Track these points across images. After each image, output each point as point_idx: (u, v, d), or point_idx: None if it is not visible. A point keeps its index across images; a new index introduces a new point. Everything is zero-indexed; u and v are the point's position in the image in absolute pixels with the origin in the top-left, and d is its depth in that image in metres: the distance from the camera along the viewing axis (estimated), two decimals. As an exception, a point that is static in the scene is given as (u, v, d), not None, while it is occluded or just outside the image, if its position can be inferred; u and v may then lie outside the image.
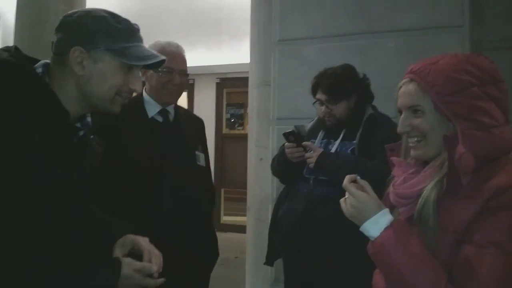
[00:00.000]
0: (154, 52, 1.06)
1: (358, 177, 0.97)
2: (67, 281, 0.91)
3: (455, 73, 0.90)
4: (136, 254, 1.08)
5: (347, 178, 0.97)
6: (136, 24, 1.05)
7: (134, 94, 1.37)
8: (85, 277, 0.93)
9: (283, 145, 1.88)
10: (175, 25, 5.58)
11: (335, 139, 1.81)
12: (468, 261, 0.83)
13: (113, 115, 1.05)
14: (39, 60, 1.03)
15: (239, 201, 5.52)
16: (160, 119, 1.66)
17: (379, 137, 1.64)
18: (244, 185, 2.98)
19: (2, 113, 0.87)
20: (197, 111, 5.75)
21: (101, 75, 0.99)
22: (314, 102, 1.85)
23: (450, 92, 0.89)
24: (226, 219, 6.14)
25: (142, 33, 1.07)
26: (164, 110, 1.68)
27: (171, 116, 1.71)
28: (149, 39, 1.67)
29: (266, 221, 2.20)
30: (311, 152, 1.73)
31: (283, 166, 1.87)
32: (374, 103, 1.85)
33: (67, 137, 1.01)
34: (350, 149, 1.76)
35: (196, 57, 5.82)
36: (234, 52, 5.58)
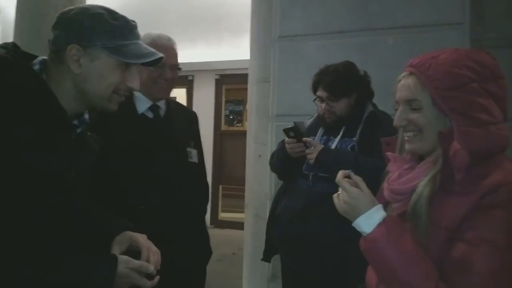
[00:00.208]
0: (152, 49, 1.05)
1: (352, 173, 0.96)
2: (63, 279, 0.91)
3: (455, 68, 0.89)
4: (134, 251, 1.07)
5: (340, 173, 0.97)
6: (133, 21, 1.04)
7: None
8: (81, 275, 0.92)
9: (283, 141, 1.88)
10: (175, 21, 5.57)
11: (335, 136, 1.81)
12: (461, 258, 0.83)
13: (105, 112, 1.04)
14: (37, 56, 1.02)
15: (237, 197, 5.53)
16: (150, 115, 1.61)
17: (379, 134, 1.64)
18: (242, 181, 2.98)
19: None
20: (196, 107, 5.76)
21: (98, 73, 0.97)
22: (315, 99, 1.84)
23: (449, 87, 0.89)
24: (224, 215, 6.15)
25: (142, 29, 1.06)
26: (154, 106, 1.62)
27: (162, 111, 1.65)
28: (149, 35, 1.67)
29: (264, 218, 2.21)
30: (312, 148, 1.73)
31: (282, 162, 1.86)
32: (373, 100, 1.85)
33: (65, 135, 1.00)
34: (350, 146, 1.76)
35: (196, 53, 5.82)
36: (234, 49, 5.58)
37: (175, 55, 1.64)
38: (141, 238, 1.10)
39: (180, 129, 1.68)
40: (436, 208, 0.89)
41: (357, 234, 0.94)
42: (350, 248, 1.55)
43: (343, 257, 1.60)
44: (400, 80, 0.98)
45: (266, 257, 2.01)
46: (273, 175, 2.25)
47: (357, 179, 0.95)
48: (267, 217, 2.00)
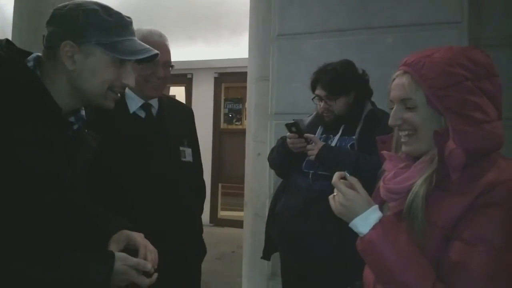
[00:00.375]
0: (147, 45, 1.04)
1: (347, 174, 0.96)
2: (59, 276, 0.90)
3: (450, 67, 0.89)
4: (131, 250, 1.07)
5: (336, 175, 0.96)
6: (128, 17, 1.03)
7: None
8: (77, 272, 0.92)
9: (281, 137, 1.88)
10: (174, 19, 5.56)
11: (334, 134, 1.81)
12: (458, 257, 0.83)
13: (99, 110, 1.03)
14: (32, 53, 1.01)
15: (236, 196, 5.53)
16: (142, 114, 1.57)
17: (378, 132, 1.64)
18: (241, 180, 2.98)
19: None
20: (195, 106, 5.75)
21: (92, 69, 0.97)
22: (313, 98, 1.85)
23: (443, 86, 0.88)
24: (223, 214, 6.16)
25: (141, 27, 1.05)
26: (146, 104, 1.57)
27: (155, 110, 1.61)
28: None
29: (263, 216, 2.21)
30: (313, 144, 1.74)
31: (282, 157, 1.86)
32: (372, 98, 1.86)
33: (60, 132, 1.00)
34: (349, 144, 1.76)
35: (195, 52, 5.82)
36: (233, 47, 5.57)
37: (167, 52, 1.59)
38: (138, 237, 1.10)
39: (173, 128, 1.63)
40: (432, 207, 0.89)
41: (356, 232, 0.94)
42: (349, 246, 1.56)
43: (343, 255, 1.60)
44: (394, 79, 0.98)
45: (266, 255, 2.01)
46: (273, 173, 2.25)
47: (353, 180, 0.95)
48: (267, 215, 2.01)
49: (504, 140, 0.91)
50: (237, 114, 6.25)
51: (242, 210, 3.06)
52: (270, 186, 2.52)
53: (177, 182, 1.56)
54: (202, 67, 5.96)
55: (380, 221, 0.90)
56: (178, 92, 6.54)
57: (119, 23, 0.99)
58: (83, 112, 1.07)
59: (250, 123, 2.83)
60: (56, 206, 0.97)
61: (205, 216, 5.73)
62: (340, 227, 1.51)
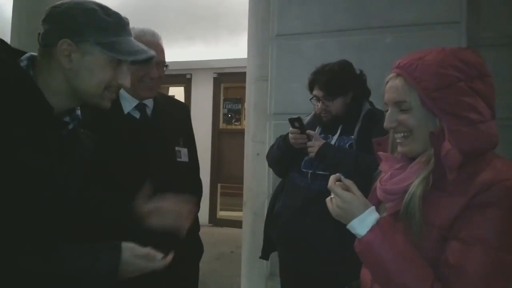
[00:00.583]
0: (143, 46, 1.03)
1: (342, 177, 0.96)
2: (65, 269, 0.90)
3: (442, 69, 0.89)
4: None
5: (332, 178, 0.97)
6: (126, 18, 1.03)
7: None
8: (82, 264, 0.91)
9: (280, 136, 1.88)
10: (172, 19, 5.56)
11: (332, 134, 1.82)
12: (455, 257, 0.83)
13: (93, 111, 1.03)
14: (25, 53, 1.00)
15: (235, 196, 5.53)
16: (137, 115, 1.55)
17: (376, 132, 1.65)
18: (240, 180, 2.98)
19: None
20: (194, 106, 5.76)
21: (89, 69, 0.96)
22: (311, 98, 1.85)
23: (436, 88, 0.89)
24: (222, 214, 6.16)
25: (136, 27, 1.05)
26: (141, 105, 1.55)
27: (149, 110, 1.58)
28: (147, 33, 1.66)
29: (262, 216, 2.21)
30: (314, 141, 1.74)
31: (283, 152, 1.86)
32: (371, 98, 1.86)
33: (54, 131, 0.99)
34: (348, 144, 1.77)
35: (194, 52, 5.82)
36: (232, 47, 5.57)
37: (161, 51, 1.56)
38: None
39: (168, 128, 1.62)
40: (429, 207, 0.89)
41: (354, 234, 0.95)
42: (348, 245, 1.57)
43: (341, 255, 1.60)
44: (387, 82, 0.98)
45: (264, 255, 2.01)
46: (272, 173, 2.26)
47: (349, 182, 0.96)
48: (265, 215, 2.01)
49: (504, 140, 0.91)
50: (236, 114, 6.25)
51: (241, 210, 3.06)
52: (269, 186, 2.52)
53: (173, 183, 1.52)
54: (201, 67, 5.96)
55: (378, 223, 0.90)
56: (177, 93, 6.54)
57: (117, 23, 0.99)
58: (78, 112, 1.06)
59: (249, 123, 2.83)
60: (52, 206, 0.96)
61: (204, 216, 5.74)
62: (338, 227, 1.53)
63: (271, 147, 1.99)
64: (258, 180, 2.64)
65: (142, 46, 1.03)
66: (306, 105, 1.93)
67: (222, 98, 6.28)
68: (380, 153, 1.07)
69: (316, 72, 1.81)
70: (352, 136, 1.75)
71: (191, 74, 6.17)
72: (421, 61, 0.92)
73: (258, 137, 2.68)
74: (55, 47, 0.94)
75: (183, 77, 6.14)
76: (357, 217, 0.91)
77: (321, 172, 1.74)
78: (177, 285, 1.53)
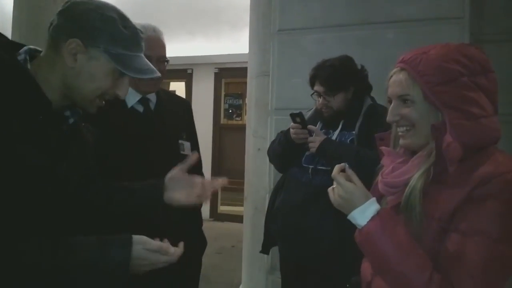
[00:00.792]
0: (151, 66, 1.03)
1: (347, 166, 0.98)
2: (74, 263, 0.89)
3: (446, 63, 0.90)
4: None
5: (336, 168, 0.98)
6: (142, 32, 1.02)
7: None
8: (92, 257, 0.90)
9: (281, 131, 1.88)
10: (173, 14, 5.54)
11: (334, 130, 1.82)
12: (454, 249, 0.84)
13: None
14: (24, 46, 0.99)
15: (236, 191, 5.54)
16: (140, 108, 1.57)
17: (378, 128, 1.65)
18: (241, 175, 2.99)
19: None
20: (195, 101, 5.75)
21: (91, 73, 0.96)
22: (312, 94, 1.85)
23: (440, 82, 0.90)
24: (223, 208, 6.17)
25: (141, 21, 1.04)
26: (144, 99, 1.58)
27: (153, 104, 1.62)
28: (148, 28, 1.66)
29: (263, 211, 2.22)
30: (315, 136, 1.74)
31: (283, 147, 1.86)
32: (372, 94, 1.86)
33: (54, 126, 0.99)
34: (349, 139, 1.76)
35: (195, 47, 5.80)
36: (233, 42, 5.56)
37: (161, 47, 1.58)
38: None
39: (172, 122, 1.64)
40: (430, 200, 0.90)
41: (355, 227, 0.95)
42: (348, 240, 1.57)
43: (341, 250, 1.61)
44: (391, 76, 0.99)
45: (265, 250, 2.02)
46: (273, 168, 2.26)
47: (351, 173, 0.97)
48: (266, 210, 2.02)
49: (507, 136, 0.92)
50: (237, 110, 6.25)
51: (242, 205, 3.07)
52: (270, 181, 2.53)
53: None
54: (202, 62, 5.95)
55: (378, 213, 0.91)
56: (178, 88, 6.54)
57: (131, 38, 0.99)
58: None
59: (250, 118, 2.83)
60: (53, 200, 0.96)
61: (205, 211, 5.76)
62: (339, 222, 1.53)
63: (272, 143, 1.99)
64: (259, 175, 2.65)
65: (149, 65, 1.03)
66: (307, 100, 1.93)
67: (223, 93, 6.27)
68: (383, 148, 1.08)
69: (317, 68, 1.81)
70: (354, 132, 1.75)
71: (192, 69, 6.16)
72: (425, 55, 0.93)
73: (259, 133, 2.68)
74: (64, 42, 0.94)
75: (184, 72, 6.13)
76: (358, 207, 0.92)
77: (322, 167, 1.75)
78: (179, 278, 1.55)
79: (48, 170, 0.94)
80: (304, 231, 1.72)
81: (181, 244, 1.01)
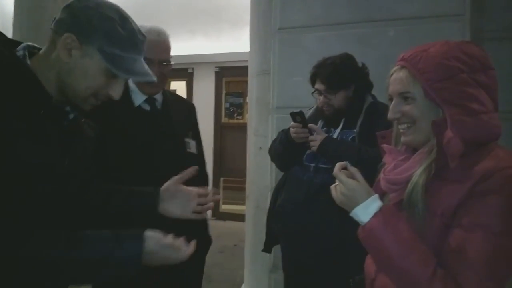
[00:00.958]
0: (146, 70, 1.02)
1: (349, 164, 0.98)
2: (87, 255, 0.90)
3: (446, 60, 0.91)
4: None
5: (337, 165, 0.99)
6: (142, 35, 1.02)
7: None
8: (105, 251, 0.90)
9: (282, 130, 1.88)
10: (174, 13, 5.54)
11: (335, 128, 1.82)
12: (457, 244, 0.85)
13: (103, 104, 1.03)
14: (21, 43, 1.00)
15: (238, 190, 5.55)
16: (147, 107, 1.61)
17: (379, 126, 1.65)
18: (243, 174, 3.00)
19: None
20: (196, 100, 5.75)
21: (84, 70, 0.96)
22: (313, 92, 1.85)
23: (440, 79, 0.91)
24: (225, 207, 6.18)
25: (141, 21, 1.04)
26: (150, 98, 1.62)
27: (159, 103, 1.65)
28: (149, 27, 1.66)
29: (265, 209, 2.22)
30: (316, 135, 1.74)
31: (284, 146, 1.86)
32: (373, 92, 1.85)
33: (55, 121, 0.99)
34: (350, 137, 1.76)
35: (195, 46, 5.80)
36: (234, 41, 5.55)
37: (165, 50, 1.60)
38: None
39: (178, 120, 1.68)
40: (432, 196, 0.91)
41: (357, 225, 0.96)
42: (351, 239, 1.57)
43: (344, 248, 1.61)
44: (392, 74, 1.00)
45: (267, 248, 2.02)
46: (274, 166, 2.26)
47: (354, 170, 0.97)
48: (268, 208, 2.02)
49: (507, 134, 0.92)
50: (238, 109, 6.25)
51: (244, 204, 3.08)
52: (272, 180, 2.53)
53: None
54: (203, 61, 5.95)
55: (381, 210, 0.92)
56: (179, 87, 6.54)
57: (128, 39, 0.98)
58: None
59: (251, 117, 2.83)
60: (55, 197, 0.96)
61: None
62: (341, 221, 1.53)
63: (273, 141, 1.99)
64: (261, 173, 2.65)
65: (145, 69, 1.02)
66: (308, 98, 1.93)
67: (224, 92, 6.27)
68: (384, 146, 1.08)
69: (318, 66, 1.81)
70: (355, 130, 1.75)
71: (192, 68, 6.16)
72: (425, 53, 0.94)
73: (260, 131, 2.68)
74: (60, 36, 0.95)
75: (185, 71, 6.13)
76: (360, 204, 0.93)
77: (323, 166, 1.75)
78: (182, 276, 1.55)
79: (49, 167, 0.94)
80: (306, 229, 1.72)
81: (193, 243, 1.02)
